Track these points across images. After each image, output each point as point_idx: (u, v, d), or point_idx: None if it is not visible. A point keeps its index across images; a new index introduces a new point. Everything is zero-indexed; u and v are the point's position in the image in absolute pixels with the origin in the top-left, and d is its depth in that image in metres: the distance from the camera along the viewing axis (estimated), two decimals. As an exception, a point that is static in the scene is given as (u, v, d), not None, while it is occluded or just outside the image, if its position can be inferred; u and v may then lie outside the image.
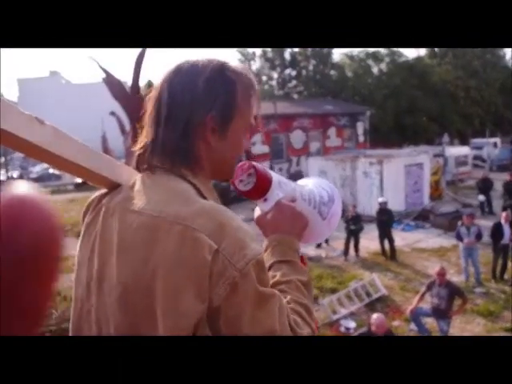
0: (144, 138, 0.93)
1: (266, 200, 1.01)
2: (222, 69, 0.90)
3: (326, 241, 12.21)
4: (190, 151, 0.89)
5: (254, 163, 1.00)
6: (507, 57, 40.72)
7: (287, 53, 34.00)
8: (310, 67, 33.63)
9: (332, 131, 24.38)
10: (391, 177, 15.48)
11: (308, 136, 23.50)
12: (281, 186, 1.03)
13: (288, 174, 21.96)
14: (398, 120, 31.03)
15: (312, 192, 1.14)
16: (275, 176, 1.03)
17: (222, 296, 0.75)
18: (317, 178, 1.24)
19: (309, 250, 11.66)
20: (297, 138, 23.17)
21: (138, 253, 0.79)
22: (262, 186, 0.99)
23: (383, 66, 34.37)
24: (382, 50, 33.89)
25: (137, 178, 0.91)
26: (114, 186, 0.94)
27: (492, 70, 37.30)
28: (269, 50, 33.68)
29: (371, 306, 8.78)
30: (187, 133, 0.88)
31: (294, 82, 35.19)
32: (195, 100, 0.87)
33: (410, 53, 47.42)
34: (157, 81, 0.93)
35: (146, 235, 0.79)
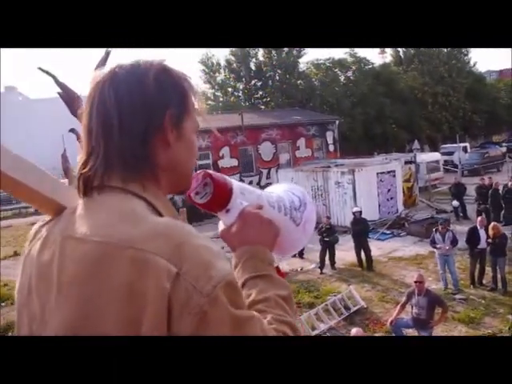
0: (85, 155, 0.84)
1: (228, 211, 0.96)
2: (165, 67, 0.87)
3: (301, 254, 12.26)
4: (149, 160, 0.83)
5: (210, 171, 0.95)
6: (471, 62, 42.26)
7: (252, 63, 34.28)
8: (277, 77, 33.95)
9: (301, 142, 24.63)
10: (364, 186, 15.68)
11: (277, 147, 23.68)
12: (244, 194, 0.99)
13: (259, 187, 21.95)
14: (367, 128, 31.57)
15: (281, 198, 1.10)
16: (236, 184, 0.98)
17: (190, 329, 0.67)
18: (285, 184, 1.21)
19: (282, 264, 11.58)
20: (266, 149, 23.32)
21: (83, 289, 0.71)
22: (221, 196, 0.94)
23: (350, 73, 35.04)
24: (349, 58, 34.59)
25: (80, 201, 0.83)
26: (60, 212, 0.87)
27: (458, 76, 38.56)
28: (233, 60, 33.87)
29: (350, 320, 8.78)
30: (148, 138, 0.83)
31: (260, 93, 35.42)
32: (150, 100, 0.83)
33: (376, 60, 48.50)
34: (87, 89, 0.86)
35: (90, 266, 0.71)
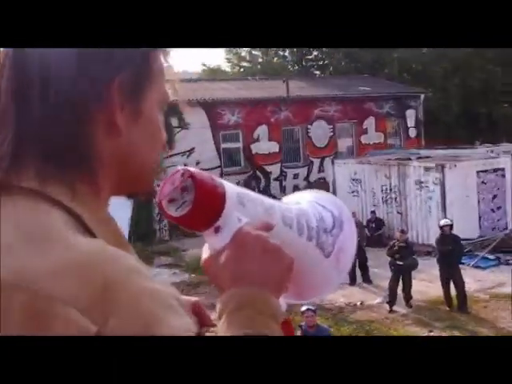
0: None
1: (218, 230, 0.91)
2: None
3: (367, 276, 12.41)
4: (83, 148, 0.79)
5: (191, 169, 0.90)
6: None
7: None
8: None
9: (370, 122, 24.54)
10: (458, 188, 15.46)
11: (335, 129, 23.65)
12: (243, 204, 0.94)
13: (307, 183, 22.00)
14: (467, 106, 31.01)
15: (304, 214, 1.06)
16: (232, 189, 0.93)
17: None
18: (314, 193, 1.19)
19: (335, 294, 11.52)
20: (319, 131, 23.28)
21: None
22: (207, 208, 0.89)
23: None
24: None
25: None
26: None
27: None
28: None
29: None
30: (81, 115, 0.79)
31: (314, 53, 35.33)
32: (89, 57, 0.80)
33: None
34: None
35: None
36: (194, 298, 1.11)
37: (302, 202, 1.11)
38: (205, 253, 0.97)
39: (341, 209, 1.13)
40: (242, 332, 0.82)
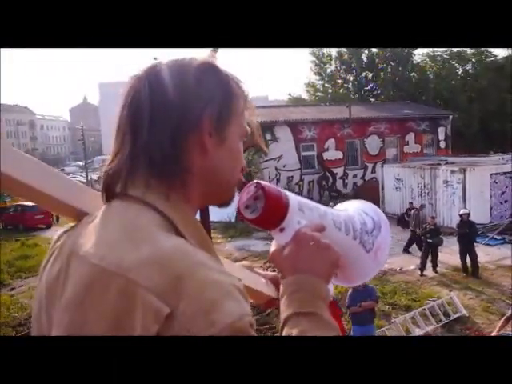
0: (112, 154, 0.75)
1: (282, 230, 0.83)
2: (213, 63, 0.77)
3: (407, 248, 11.90)
4: (179, 161, 0.72)
5: (263, 183, 0.82)
6: None
7: (364, 55, 33.27)
8: (389, 69, 32.62)
9: (410, 137, 23.57)
10: (475, 186, 14.69)
11: (384, 141, 22.94)
12: (303, 211, 0.85)
13: (364, 181, 21.52)
14: (485, 125, 29.06)
15: (350, 218, 0.95)
16: (294, 199, 0.85)
17: None
18: (358, 202, 1.05)
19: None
20: (372, 143, 22.68)
21: (73, 316, 0.63)
22: (273, 213, 0.81)
23: (469, 66, 32.57)
24: (469, 50, 32.12)
25: (102, 208, 0.75)
26: (81, 218, 0.80)
27: None
28: (345, 51, 33.15)
29: (449, 327, 8.26)
30: (178, 137, 0.72)
31: (370, 85, 34.32)
32: (187, 96, 0.72)
33: (500, 52, 44.61)
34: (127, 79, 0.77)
35: (83, 291, 0.63)
36: (272, 273, 1.09)
37: (350, 209, 1.01)
38: (272, 247, 0.88)
39: (380, 215, 1.02)
40: (296, 310, 0.75)
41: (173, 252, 0.63)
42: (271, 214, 0.81)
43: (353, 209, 1.00)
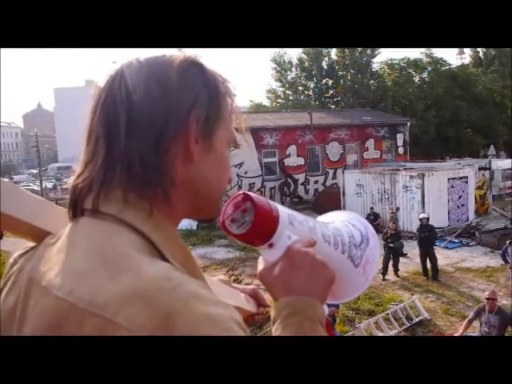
0: (82, 164, 0.66)
1: (271, 246, 0.76)
2: (197, 62, 0.69)
3: None
4: (162, 171, 0.63)
5: (251, 194, 0.74)
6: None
7: (324, 62, 33.82)
8: (348, 76, 33.27)
9: (370, 143, 24.04)
10: (433, 191, 15.07)
11: (345, 148, 23.27)
12: (293, 224, 0.78)
13: (324, 187, 21.80)
14: (440, 131, 30.17)
15: (339, 231, 0.89)
16: (284, 211, 0.78)
17: None
18: (344, 213, 0.99)
19: None
20: (333, 149, 22.97)
21: None
22: (264, 227, 0.73)
23: (425, 74, 33.64)
24: (425, 58, 33.22)
25: (68, 226, 0.64)
26: (42, 239, 0.69)
27: (542, 79, 36.03)
28: (306, 58, 33.59)
29: (412, 331, 8.39)
30: (161, 143, 0.63)
31: (331, 92, 34.88)
32: (170, 95, 0.64)
33: (454, 61, 46.55)
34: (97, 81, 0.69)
35: (46, 331, 0.53)
36: (251, 287, 1.01)
37: (337, 221, 0.95)
38: (260, 265, 0.79)
39: (367, 227, 0.96)
40: (294, 334, 0.70)
41: (158, 282, 0.53)
42: (261, 228, 0.73)
43: (340, 221, 0.94)
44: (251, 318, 0.98)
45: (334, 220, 0.94)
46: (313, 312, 0.71)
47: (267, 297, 0.97)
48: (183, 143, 0.65)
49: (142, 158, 0.62)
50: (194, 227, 16.35)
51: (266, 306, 0.98)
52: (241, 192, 0.75)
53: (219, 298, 0.58)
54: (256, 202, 0.72)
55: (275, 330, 0.70)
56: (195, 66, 0.68)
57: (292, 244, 0.75)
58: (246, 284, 5.37)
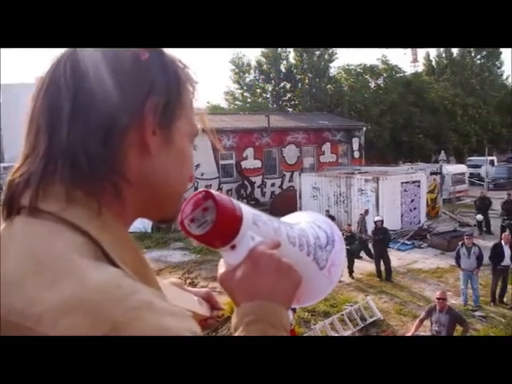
0: (22, 157, 0.59)
1: (234, 248, 0.71)
2: (155, 49, 0.63)
3: None
4: (112, 165, 0.57)
5: (214, 192, 0.69)
6: (504, 75, 41.43)
7: (282, 65, 34.17)
8: (306, 80, 33.74)
9: (327, 146, 24.42)
10: (387, 194, 15.43)
11: (302, 151, 23.53)
12: (257, 225, 0.74)
13: (281, 190, 21.94)
14: (394, 136, 31.16)
15: (304, 233, 0.86)
16: (248, 211, 0.73)
17: None
18: (309, 213, 0.96)
19: None
20: (290, 152, 23.19)
21: None
22: (226, 227, 0.69)
23: (380, 80, 34.60)
24: (380, 65, 34.16)
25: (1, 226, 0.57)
26: None
27: (490, 88, 37.84)
28: (264, 61, 33.82)
29: (366, 331, 8.56)
30: (111, 134, 0.57)
31: (288, 96, 35.26)
32: (124, 80, 0.58)
33: (408, 68, 48.10)
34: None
35: None
36: (204, 289, 0.97)
37: (302, 222, 0.92)
38: (221, 268, 0.74)
39: (333, 229, 0.93)
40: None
41: (105, 290, 0.47)
42: (223, 229, 0.69)
43: (305, 222, 0.91)
44: (204, 321, 0.94)
45: (299, 221, 0.91)
46: (277, 318, 0.67)
47: (223, 299, 0.97)
48: (138, 134, 0.59)
49: (88, 150, 0.56)
50: (149, 229, 16.08)
51: (219, 310, 0.95)
52: (202, 190, 0.70)
53: (170, 301, 0.54)
54: (218, 201, 0.68)
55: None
56: (153, 50, 0.63)
57: (256, 246, 0.71)
58: (202, 287, 5.35)
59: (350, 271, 11.47)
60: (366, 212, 14.04)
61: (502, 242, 9.98)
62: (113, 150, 0.57)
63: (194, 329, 0.51)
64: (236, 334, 0.66)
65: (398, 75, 34.56)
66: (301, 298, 0.87)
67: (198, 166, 20.02)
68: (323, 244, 0.88)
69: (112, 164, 0.57)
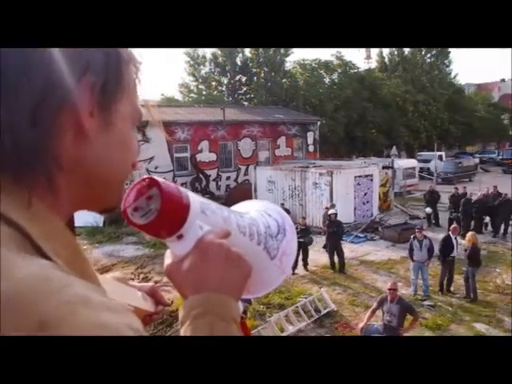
0: None
1: (181, 237, 0.68)
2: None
3: None
4: (46, 151, 0.52)
5: (158, 179, 0.65)
6: (452, 74, 43.05)
7: (238, 59, 34.04)
8: (262, 74, 33.77)
9: (282, 140, 24.61)
10: (341, 188, 15.69)
11: (257, 144, 23.61)
12: (205, 213, 0.71)
13: (236, 183, 21.92)
14: (348, 131, 31.79)
15: (254, 221, 0.84)
16: (196, 199, 0.70)
17: None
18: (260, 202, 0.94)
19: None
20: (245, 146, 23.22)
21: None
22: (172, 216, 0.66)
23: (335, 76, 35.12)
24: (335, 61, 34.65)
25: None
26: None
27: (439, 86, 39.24)
28: (220, 54, 33.58)
29: (320, 322, 8.69)
30: (41, 115, 0.51)
31: (244, 89, 35.21)
32: (54, 56, 0.52)
33: (362, 64, 49.18)
34: None
35: None
36: (149, 284, 0.95)
37: (252, 211, 0.90)
38: (167, 259, 0.71)
39: (284, 217, 0.92)
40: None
41: (33, 284, 0.43)
42: (169, 218, 0.65)
43: (255, 211, 0.89)
44: (149, 317, 0.90)
45: (249, 210, 0.89)
46: (226, 311, 0.64)
47: (175, 295, 0.92)
48: (73, 116, 0.54)
49: (14, 131, 0.50)
50: (101, 224, 15.69)
51: (165, 305, 0.92)
52: (146, 176, 0.66)
53: (110, 295, 0.51)
54: (163, 188, 0.64)
55: (184, 333, 0.62)
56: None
57: (204, 235, 0.68)
58: (156, 282, 5.23)
59: (305, 264, 11.60)
60: (332, 206, 14.22)
61: (450, 233, 10.35)
62: (43, 132, 0.52)
63: (134, 325, 0.47)
64: (183, 329, 0.62)
65: (352, 71, 35.22)
66: (252, 289, 0.85)
67: (151, 159, 19.72)
68: (274, 233, 0.86)
69: (43, 148, 0.52)
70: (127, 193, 0.67)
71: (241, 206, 0.91)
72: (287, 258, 0.88)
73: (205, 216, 0.70)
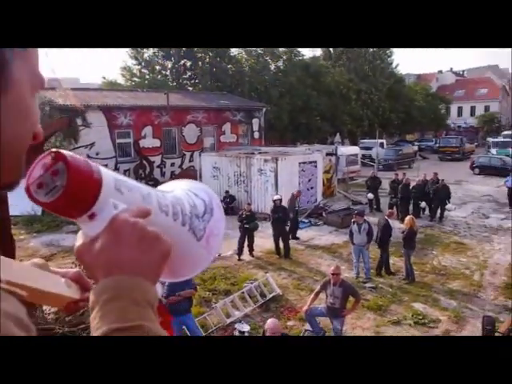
0: None
1: (93, 217, 0.63)
2: None
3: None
4: None
5: (65, 152, 0.60)
6: (394, 64, 44.35)
7: (182, 43, 33.36)
8: (207, 59, 33.35)
9: (227, 126, 24.51)
10: (286, 174, 15.89)
11: (202, 131, 23.40)
12: (121, 191, 0.66)
13: (182, 170, 21.65)
14: (293, 118, 32.08)
15: (178, 201, 0.80)
16: (109, 175, 0.65)
17: None
18: (187, 182, 0.90)
19: None
20: (190, 132, 22.94)
21: None
22: (80, 193, 0.60)
23: (280, 63, 35.25)
24: (280, 48, 34.75)
25: None
26: None
27: (380, 75, 40.37)
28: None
29: (266, 307, 8.79)
30: None
31: (189, 74, 34.64)
32: None
33: (307, 52, 49.68)
34: None
35: None
36: (74, 270, 0.90)
37: (177, 189, 0.86)
38: (79, 239, 0.66)
39: (211, 197, 0.89)
40: (114, 326, 0.57)
41: None
42: (76, 195, 0.60)
43: (181, 189, 0.85)
44: (74, 304, 0.86)
45: (174, 189, 0.84)
46: (140, 294, 0.60)
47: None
48: None
49: None
50: (39, 212, 15.04)
51: (90, 291, 0.89)
52: (52, 150, 0.61)
53: (28, 283, 0.47)
54: (70, 162, 0.59)
55: (93, 319, 0.58)
56: None
57: (118, 214, 0.63)
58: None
59: (250, 249, 11.68)
60: (299, 193, 14.27)
61: (387, 217, 10.73)
62: None
63: (10, 311, 0.44)
64: (92, 315, 0.58)
65: (297, 58, 35.45)
66: (177, 271, 0.82)
67: (92, 144, 19.08)
68: (200, 213, 0.83)
69: None
70: (31, 168, 0.62)
71: (166, 186, 0.87)
72: (214, 239, 0.85)
73: (120, 194, 0.66)
